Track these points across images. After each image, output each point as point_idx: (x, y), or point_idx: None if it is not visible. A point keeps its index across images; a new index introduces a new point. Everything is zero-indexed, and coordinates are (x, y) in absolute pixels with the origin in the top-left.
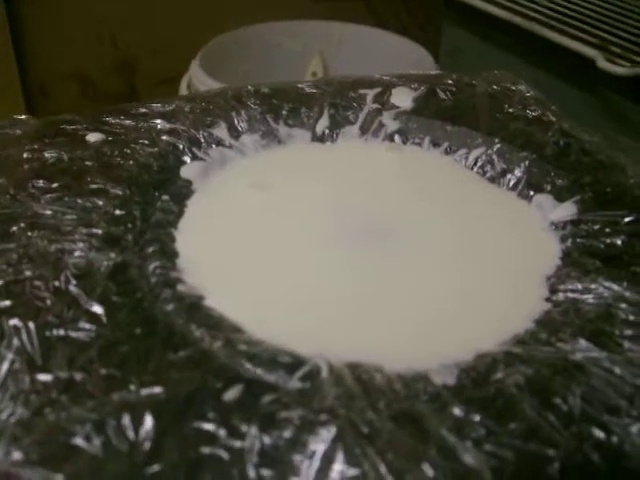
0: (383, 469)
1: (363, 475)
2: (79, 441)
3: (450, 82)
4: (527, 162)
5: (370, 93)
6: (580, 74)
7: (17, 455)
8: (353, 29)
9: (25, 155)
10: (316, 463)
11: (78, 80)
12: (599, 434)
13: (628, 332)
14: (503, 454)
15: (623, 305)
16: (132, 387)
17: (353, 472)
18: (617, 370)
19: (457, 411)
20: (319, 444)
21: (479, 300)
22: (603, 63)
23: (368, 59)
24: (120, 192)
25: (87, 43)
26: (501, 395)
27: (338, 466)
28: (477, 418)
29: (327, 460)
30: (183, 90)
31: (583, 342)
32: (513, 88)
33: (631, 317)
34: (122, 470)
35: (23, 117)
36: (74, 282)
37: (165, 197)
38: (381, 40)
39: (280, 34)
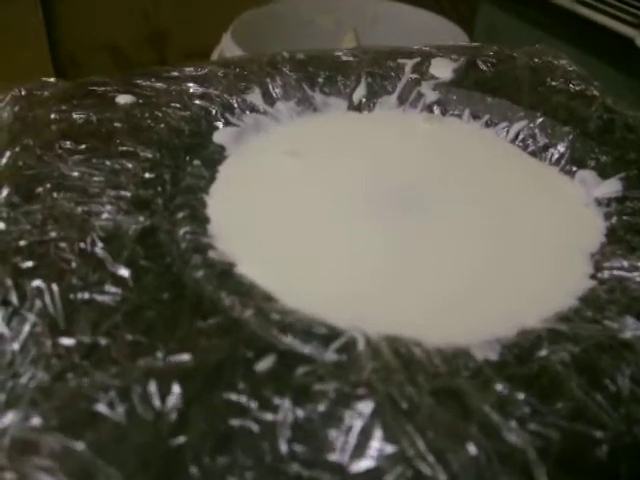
0: (423, 447)
1: (401, 453)
2: (102, 408)
3: (491, 54)
4: (570, 137)
5: (409, 63)
6: (618, 53)
7: (36, 421)
8: (387, 6)
9: (53, 116)
10: (353, 439)
11: (109, 52)
12: None
13: None
14: (549, 434)
15: None
16: (159, 354)
17: (391, 449)
18: None
19: (500, 388)
20: (356, 419)
21: (521, 276)
22: None
23: (402, 37)
24: (150, 155)
25: (118, 15)
26: (546, 373)
27: (376, 443)
28: (521, 396)
29: (364, 436)
30: None
31: (631, 320)
32: (555, 62)
33: None
34: (146, 440)
35: (52, 80)
36: (100, 245)
37: (196, 162)
38: (415, 18)
39: (313, 10)
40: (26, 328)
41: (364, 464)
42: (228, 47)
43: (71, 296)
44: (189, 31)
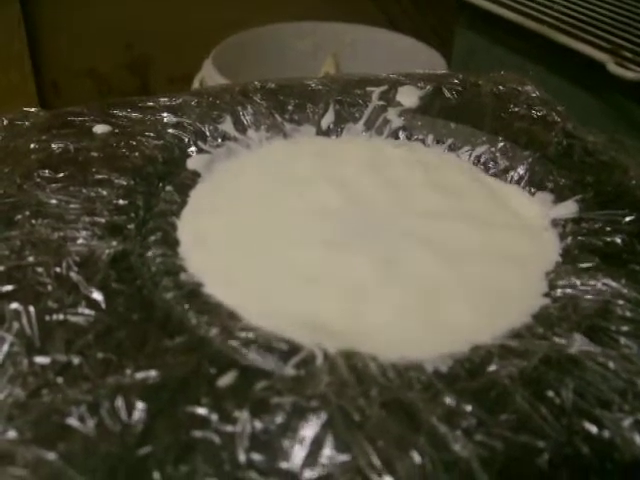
0: (372, 455)
1: (352, 461)
2: (73, 421)
3: (456, 81)
4: (530, 160)
5: (376, 91)
6: (591, 78)
7: (12, 434)
8: (365, 31)
9: (32, 146)
10: (305, 448)
11: (91, 79)
12: (590, 427)
13: (624, 328)
14: (493, 444)
15: (620, 302)
16: (127, 371)
17: (342, 458)
18: (611, 365)
19: (449, 400)
20: (309, 430)
21: (478, 294)
22: (614, 67)
23: (380, 61)
24: (124, 182)
25: (101, 42)
26: (494, 386)
27: (327, 451)
28: (469, 408)
29: (317, 445)
30: None
31: (579, 337)
32: (519, 88)
33: (628, 313)
34: (114, 450)
35: (33, 110)
36: (75, 269)
37: (169, 188)
38: (393, 42)
39: (292, 35)
40: (4, 348)
41: (316, 472)
42: (209, 73)
43: (47, 317)
44: (171, 57)
